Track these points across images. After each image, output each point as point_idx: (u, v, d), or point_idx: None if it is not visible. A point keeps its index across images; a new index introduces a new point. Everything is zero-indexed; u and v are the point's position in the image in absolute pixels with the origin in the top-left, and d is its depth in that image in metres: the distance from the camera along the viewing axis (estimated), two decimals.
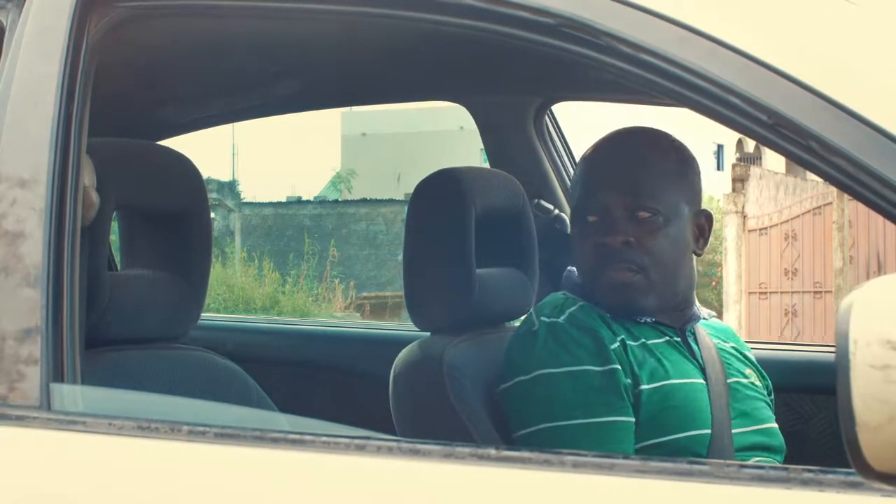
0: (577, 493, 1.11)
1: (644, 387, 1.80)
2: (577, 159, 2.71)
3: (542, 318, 1.86)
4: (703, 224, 1.94)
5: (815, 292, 11.37)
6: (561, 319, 1.85)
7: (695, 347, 1.91)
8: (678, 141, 1.97)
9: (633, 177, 1.88)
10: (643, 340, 1.86)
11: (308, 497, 1.20)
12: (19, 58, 1.46)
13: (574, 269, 1.99)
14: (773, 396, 2.03)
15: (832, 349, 2.21)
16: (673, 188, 1.88)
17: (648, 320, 1.89)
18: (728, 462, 1.12)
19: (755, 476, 1.06)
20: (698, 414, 1.81)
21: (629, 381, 1.80)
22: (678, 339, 1.90)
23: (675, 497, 1.08)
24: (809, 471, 1.05)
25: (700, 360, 1.89)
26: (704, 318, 1.98)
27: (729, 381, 1.91)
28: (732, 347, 2.02)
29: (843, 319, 0.97)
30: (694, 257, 1.93)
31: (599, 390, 1.77)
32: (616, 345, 1.82)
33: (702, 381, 1.86)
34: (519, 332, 1.92)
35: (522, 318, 2.10)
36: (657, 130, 1.96)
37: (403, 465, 1.17)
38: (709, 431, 1.80)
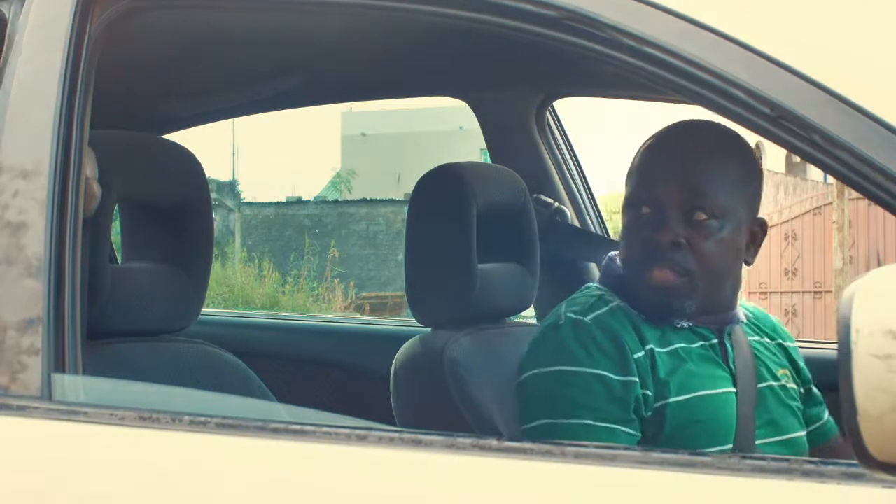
0: (578, 484, 1.11)
1: (672, 399, 1.73)
2: (575, 153, 2.73)
3: (569, 315, 1.79)
4: (757, 232, 1.84)
5: (815, 292, 11.38)
6: (587, 319, 1.77)
7: (730, 351, 1.83)
8: (748, 143, 1.85)
9: (695, 175, 1.78)
10: (675, 346, 1.78)
11: (309, 487, 1.20)
12: (21, 49, 1.46)
13: (615, 255, 1.90)
14: (810, 387, 1.96)
15: (832, 345, 2.21)
16: (735, 192, 1.79)
17: (685, 325, 1.81)
18: (730, 453, 1.11)
19: (757, 467, 1.06)
20: (723, 429, 1.75)
21: (649, 392, 1.73)
22: (714, 341, 1.82)
23: (677, 488, 1.08)
24: (811, 462, 1.04)
25: (732, 366, 1.81)
26: (743, 322, 1.89)
27: (759, 385, 1.83)
28: (770, 343, 1.94)
29: (846, 309, 0.96)
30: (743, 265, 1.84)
31: (610, 398, 1.71)
32: (640, 354, 1.75)
33: (732, 389, 1.79)
34: (545, 324, 1.85)
35: (523, 312, 2.10)
36: (728, 128, 1.81)
37: (405, 455, 1.17)
38: (730, 447, 1.73)
